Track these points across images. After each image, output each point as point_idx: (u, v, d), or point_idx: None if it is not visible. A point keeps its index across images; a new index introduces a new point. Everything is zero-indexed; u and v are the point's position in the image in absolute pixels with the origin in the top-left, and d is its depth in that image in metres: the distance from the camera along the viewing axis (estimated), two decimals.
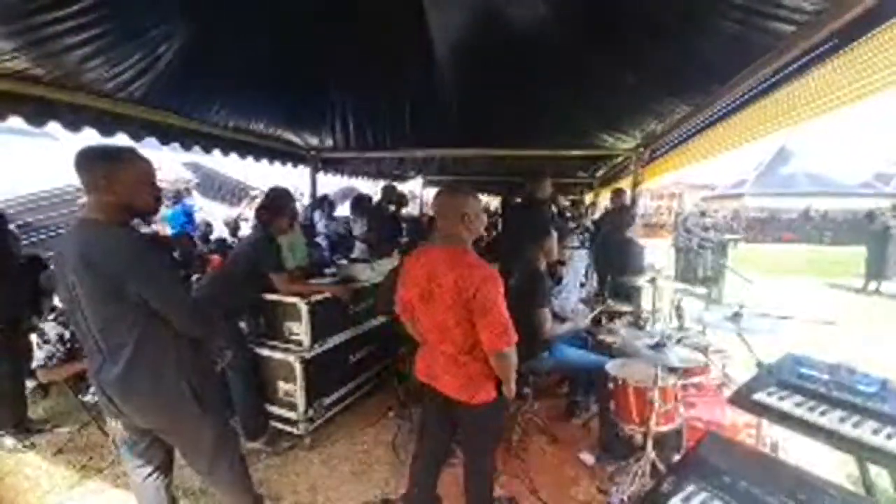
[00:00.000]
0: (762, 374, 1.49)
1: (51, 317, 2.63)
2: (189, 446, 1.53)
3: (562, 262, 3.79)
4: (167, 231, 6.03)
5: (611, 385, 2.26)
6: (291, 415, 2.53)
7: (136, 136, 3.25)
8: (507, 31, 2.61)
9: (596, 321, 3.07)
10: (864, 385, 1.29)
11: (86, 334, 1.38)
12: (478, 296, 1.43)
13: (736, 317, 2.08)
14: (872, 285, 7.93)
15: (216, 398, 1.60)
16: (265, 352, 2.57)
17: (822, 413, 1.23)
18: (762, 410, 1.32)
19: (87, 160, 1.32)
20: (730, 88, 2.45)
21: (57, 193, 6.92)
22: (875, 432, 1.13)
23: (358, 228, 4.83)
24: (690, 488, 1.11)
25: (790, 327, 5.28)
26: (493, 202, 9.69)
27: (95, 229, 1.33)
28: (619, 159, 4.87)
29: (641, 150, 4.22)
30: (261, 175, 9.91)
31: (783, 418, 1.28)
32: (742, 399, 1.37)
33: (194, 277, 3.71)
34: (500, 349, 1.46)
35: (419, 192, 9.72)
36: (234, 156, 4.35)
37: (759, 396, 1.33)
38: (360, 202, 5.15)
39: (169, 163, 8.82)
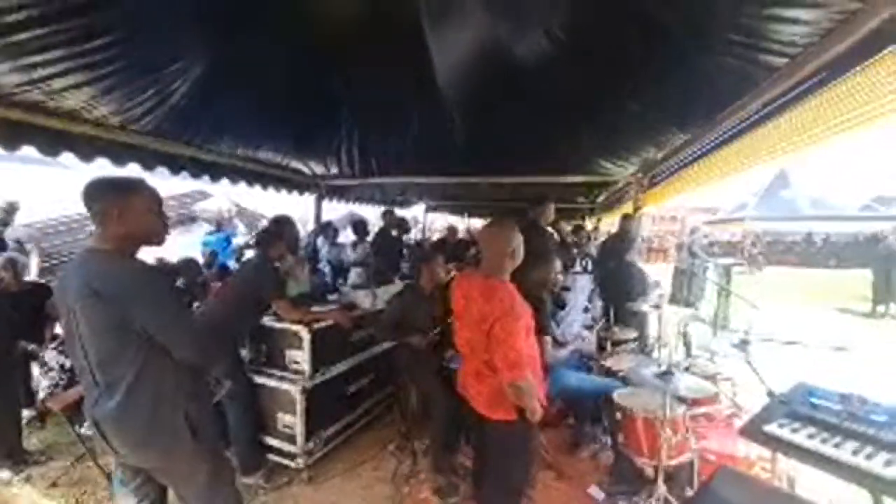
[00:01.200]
0: (773, 405, 1.46)
1: (52, 345, 2.62)
2: (183, 483, 1.48)
3: (566, 288, 3.78)
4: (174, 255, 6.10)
5: (619, 415, 2.20)
6: (290, 448, 2.46)
7: (148, 166, 3.35)
8: (510, 65, 2.70)
9: (601, 348, 3.03)
10: (876, 415, 1.26)
11: (83, 367, 1.36)
12: (495, 328, 1.57)
13: (743, 344, 2.05)
14: (881, 308, 7.82)
15: (212, 430, 1.56)
16: (265, 381, 2.53)
17: (836, 445, 1.19)
18: (774, 443, 1.28)
19: (97, 192, 1.35)
20: (726, 118, 2.51)
21: (65, 221, 7.06)
22: (888, 464, 1.09)
23: (355, 254, 4.82)
24: None
25: (800, 353, 5.17)
26: None
27: (102, 259, 1.34)
28: (620, 185, 4.92)
29: (641, 176, 4.28)
30: (271, 205, 10.16)
31: (796, 451, 1.24)
32: (754, 431, 1.33)
33: (195, 305, 3.72)
34: (509, 381, 1.54)
35: (421, 218, 9.81)
36: (242, 184, 4.46)
37: (771, 428, 1.29)
38: (357, 227, 5.17)
39: (215, 195, 9.65)
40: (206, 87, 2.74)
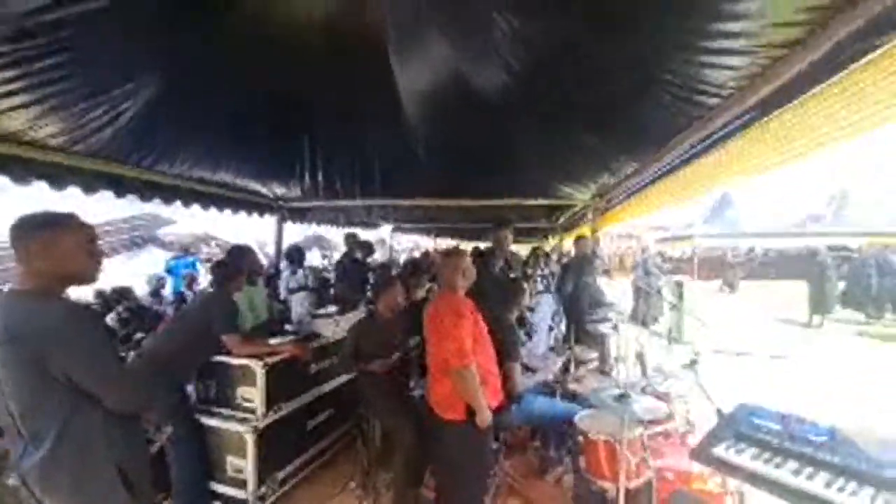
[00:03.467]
0: (720, 426, 1.52)
1: None
2: None
3: (531, 309, 3.84)
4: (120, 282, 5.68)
5: (580, 438, 2.22)
6: (240, 494, 2.28)
7: (90, 189, 3.14)
8: (471, 92, 2.79)
9: (564, 369, 3.07)
10: (813, 435, 1.33)
11: (7, 416, 1.23)
12: (444, 322, 1.91)
13: (693, 364, 2.14)
14: (817, 318, 8.49)
15: (148, 483, 1.43)
16: (213, 422, 2.35)
17: (777, 466, 1.25)
18: (722, 466, 1.33)
19: (23, 231, 1.24)
20: (670, 150, 2.70)
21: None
22: (827, 485, 1.16)
23: (293, 281, 4.68)
24: None
25: (746, 363, 5.50)
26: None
27: (22, 300, 1.23)
28: (578, 208, 5.14)
29: (597, 200, 4.49)
30: (236, 229, 9.84)
31: (742, 473, 1.29)
32: (703, 455, 1.38)
33: (138, 336, 3.46)
34: (455, 366, 1.84)
35: (388, 239, 9.75)
36: (196, 207, 4.26)
37: (718, 451, 1.34)
38: (292, 255, 5.03)
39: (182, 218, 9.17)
40: (159, 108, 2.63)
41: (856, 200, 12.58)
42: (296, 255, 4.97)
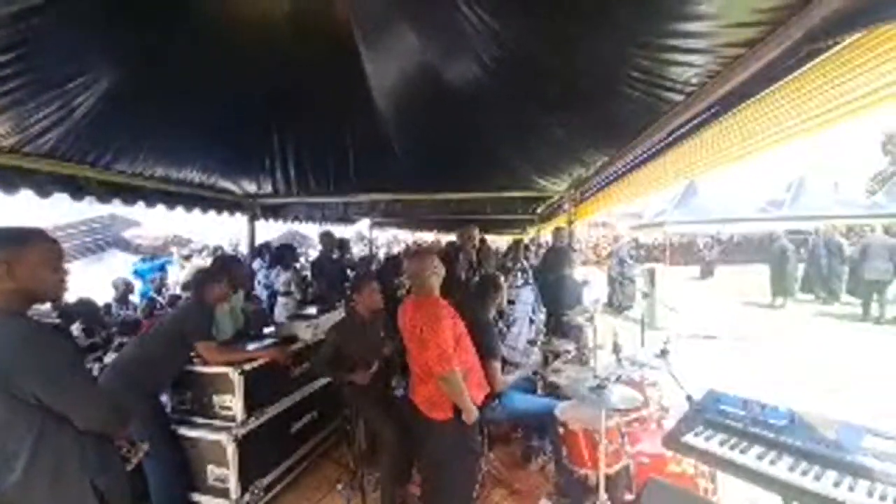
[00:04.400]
0: (689, 414, 1.59)
1: None
2: None
3: (511, 302, 3.89)
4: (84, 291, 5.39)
5: (560, 429, 2.29)
6: (223, 503, 2.24)
7: (44, 192, 2.96)
8: (443, 85, 2.77)
9: (544, 361, 3.14)
10: (774, 419, 1.41)
11: None
12: (424, 330, 1.88)
13: (664, 353, 2.23)
14: (778, 300, 8.98)
15: (126, 500, 1.39)
16: (191, 432, 2.28)
17: (742, 451, 1.32)
18: (693, 452, 1.39)
19: None
20: (639, 143, 2.76)
21: None
22: (791, 469, 1.23)
23: (279, 284, 4.57)
24: None
25: (715, 346, 5.77)
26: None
27: None
28: (555, 199, 5.21)
29: (572, 191, 4.57)
30: (204, 229, 9.48)
31: (712, 459, 1.36)
32: (674, 442, 1.44)
33: (116, 342, 3.31)
34: (440, 372, 1.84)
35: (367, 233, 9.63)
36: (160, 207, 4.07)
37: (688, 439, 1.41)
38: (283, 255, 4.88)
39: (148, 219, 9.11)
40: (115, 103, 2.50)
41: (811, 186, 13.32)
42: (288, 255, 4.82)
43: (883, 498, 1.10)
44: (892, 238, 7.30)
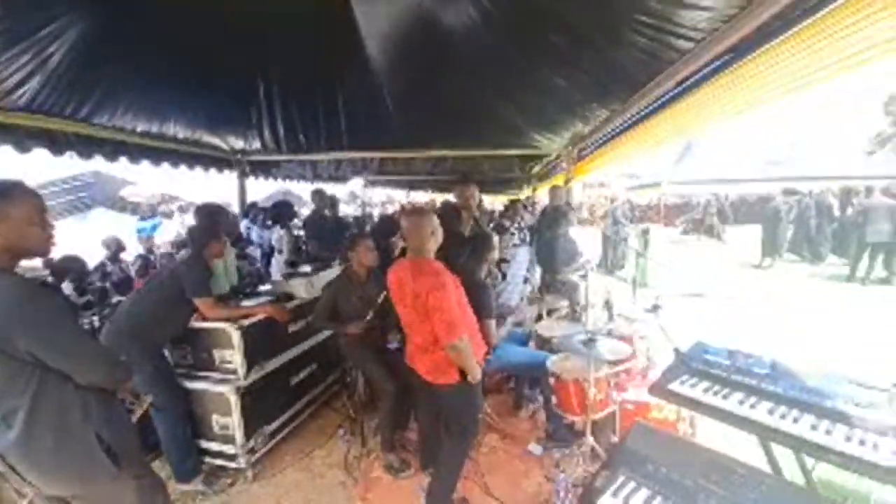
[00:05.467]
0: (676, 364, 1.66)
1: None
2: None
3: (505, 260, 3.91)
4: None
5: (552, 380, 2.39)
6: (229, 448, 2.35)
7: (23, 148, 2.87)
8: (438, 33, 2.61)
9: (538, 317, 3.22)
10: (757, 367, 1.48)
11: None
12: (428, 300, 1.77)
13: (655, 308, 2.29)
14: (767, 260, 9.15)
15: (134, 450, 1.44)
16: (195, 384, 2.35)
17: (724, 397, 1.39)
18: (677, 399, 1.47)
19: None
20: (642, 96, 2.66)
21: None
22: (770, 412, 1.30)
23: (282, 243, 4.53)
24: (620, 479, 1.20)
25: (704, 304, 5.93)
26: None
27: None
28: (552, 157, 5.11)
29: (571, 149, 4.46)
30: (198, 187, 9.27)
31: (695, 405, 1.43)
32: (660, 390, 1.51)
33: (114, 300, 3.33)
34: (449, 341, 1.77)
35: (360, 192, 9.48)
36: (145, 163, 3.94)
37: (674, 386, 1.48)
38: (282, 212, 4.83)
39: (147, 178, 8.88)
40: (92, 51, 2.35)
41: (810, 146, 13.15)
42: (287, 213, 4.75)
43: (862, 443, 1.16)
44: (892, 200, 7.27)
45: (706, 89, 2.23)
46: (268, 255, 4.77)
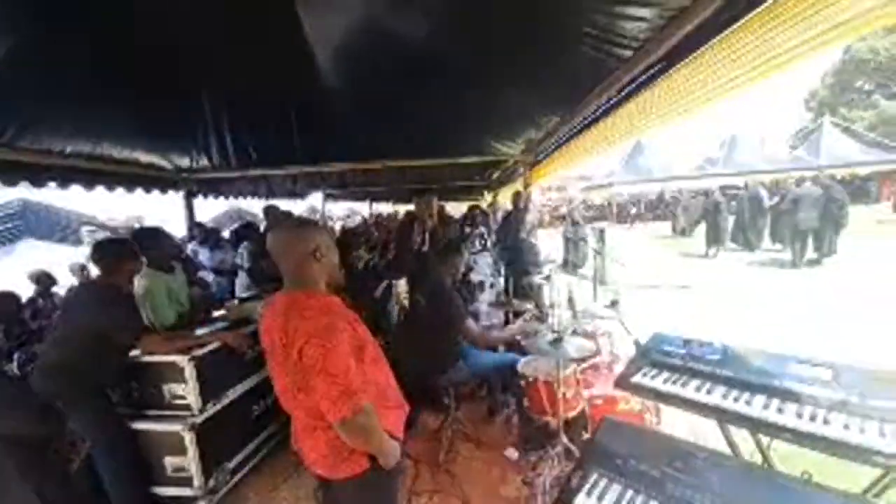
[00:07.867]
0: (637, 356, 1.72)
1: None
2: None
3: (470, 268, 3.94)
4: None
5: (523, 383, 2.41)
6: (186, 492, 2.16)
7: None
8: (391, 42, 2.59)
9: (505, 321, 3.25)
10: (710, 354, 1.57)
11: None
12: (303, 357, 1.15)
13: (614, 304, 2.37)
14: (712, 251, 9.84)
15: (79, 502, 1.30)
16: (142, 425, 2.14)
17: (683, 385, 1.46)
18: (641, 391, 1.52)
19: None
20: (589, 102, 2.79)
21: None
22: (724, 396, 1.38)
23: (243, 259, 4.35)
24: (593, 477, 1.22)
25: (658, 295, 6.23)
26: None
27: None
28: (510, 163, 5.23)
29: (527, 154, 4.59)
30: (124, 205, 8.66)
31: (657, 395, 1.49)
32: (625, 383, 1.56)
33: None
34: (337, 418, 1.16)
35: (320, 207, 9.25)
36: (75, 187, 3.63)
37: (636, 379, 1.53)
38: (243, 232, 4.66)
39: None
40: (12, 69, 2.12)
41: (742, 144, 14.39)
42: (252, 234, 4.50)
43: (812, 418, 1.24)
44: (819, 189, 8.03)
45: (645, 94, 2.38)
46: (228, 276, 4.52)
